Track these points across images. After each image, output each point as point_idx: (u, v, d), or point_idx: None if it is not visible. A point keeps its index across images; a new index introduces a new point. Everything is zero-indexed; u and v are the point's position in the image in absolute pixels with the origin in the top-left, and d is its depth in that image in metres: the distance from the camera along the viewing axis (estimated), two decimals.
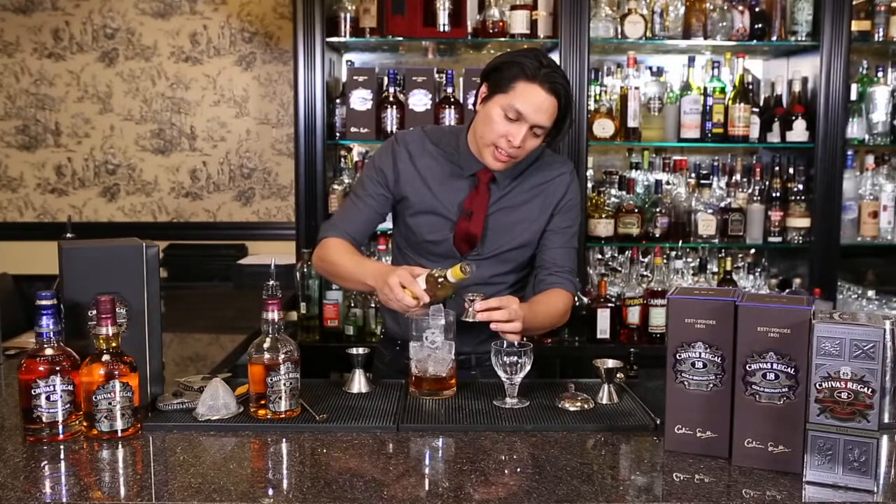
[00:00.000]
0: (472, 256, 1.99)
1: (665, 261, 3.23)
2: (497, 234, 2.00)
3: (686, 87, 3.27)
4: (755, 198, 3.26)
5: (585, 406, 1.71)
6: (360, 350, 1.86)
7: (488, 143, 1.89)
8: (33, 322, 1.53)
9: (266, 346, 1.62)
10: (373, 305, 3.16)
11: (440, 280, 1.76)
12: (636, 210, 3.21)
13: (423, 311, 1.79)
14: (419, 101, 3.14)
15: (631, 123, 3.20)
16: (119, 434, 1.53)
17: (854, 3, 3.18)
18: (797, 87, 3.25)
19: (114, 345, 1.53)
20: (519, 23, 3.15)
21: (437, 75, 3.19)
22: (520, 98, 1.83)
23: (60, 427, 1.52)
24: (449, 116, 3.14)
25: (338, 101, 3.24)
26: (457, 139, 2.03)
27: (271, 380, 1.60)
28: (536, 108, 1.83)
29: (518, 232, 2.02)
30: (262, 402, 1.61)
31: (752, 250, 3.39)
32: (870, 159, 3.32)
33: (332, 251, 2.01)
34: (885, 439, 1.51)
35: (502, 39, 3.21)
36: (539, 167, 2.04)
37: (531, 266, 2.10)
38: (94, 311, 1.53)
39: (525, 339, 1.81)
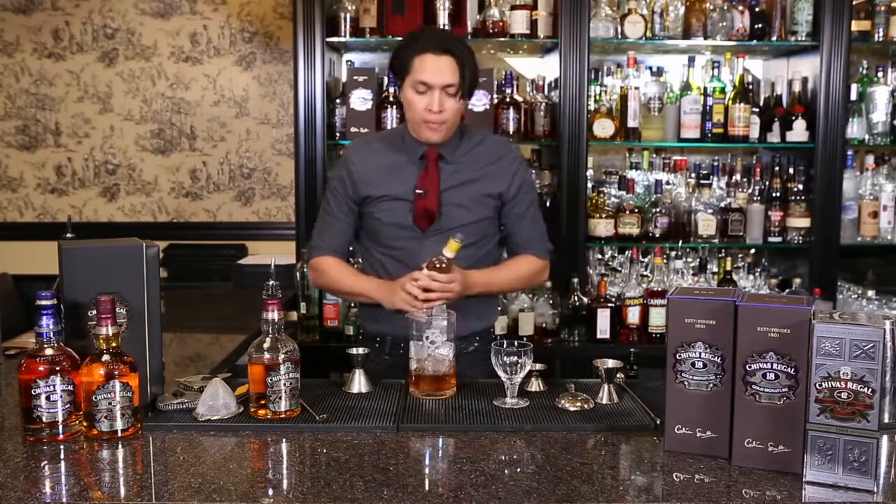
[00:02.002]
0: (433, 231, 2.11)
1: (665, 261, 3.23)
2: (454, 209, 2.13)
3: (686, 87, 3.27)
4: (755, 198, 3.26)
5: (585, 406, 1.71)
6: (360, 350, 1.87)
7: (418, 121, 2.07)
8: (33, 322, 1.54)
9: (266, 346, 1.62)
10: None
11: (441, 263, 1.94)
12: (636, 210, 3.21)
13: (433, 306, 1.91)
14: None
15: (631, 123, 3.20)
16: (119, 434, 1.53)
17: (854, 3, 3.17)
18: (797, 87, 3.25)
19: (114, 345, 1.53)
20: (519, 23, 3.15)
21: None
22: (419, 71, 2.03)
23: (60, 427, 1.52)
24: None
25: (338, 101, 3.24)
26: (402, 133, 2.20)
27: (271, 380, 1.60)
28: (435, 72, 2.02)
29: (473, 206, 2.14)
30: (262, 402, 1.61)
31: (752, 250, 3.39)
32: (870, 159, 3.32)
33: (328, 271, 2.19)
34: (885, 439, 1.51)
35: (502, 39, 3.21)
36: (485, 147, 2.19)
37: (496, 240, 2.24)
38: (94, 311, 1.53)
39: (524, 339, 1.82)
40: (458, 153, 2.15)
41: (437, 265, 1.94)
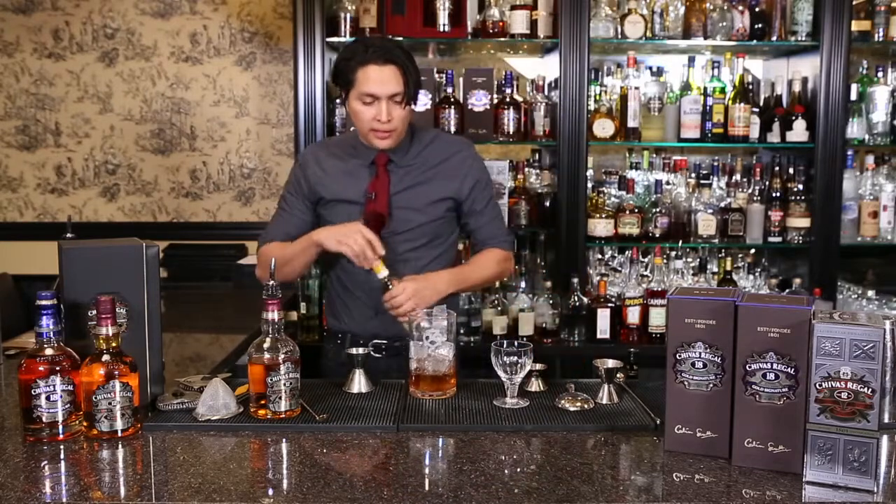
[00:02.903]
0: (386, 233, 2.12)
1: (665, 261, 3.23)
2: (405, 212, 2.14)
3: (686, 87, 3.27)
4: (755, 198, 3.26)
5: (585, 406, 1.71)
6: (360, 350, 1.87)
7: (367, 131, 2.09)
8: (33, 322, 1.54)
9: (266, 346, 1.62)
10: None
11: (384, 287, 1.99)
12: (636, 210, 3.21)
13: (406, 318, 1.95)
14: (419, 101, 3.13)
15: (631, 123, 3.20)
16: (119, 434, 1.53)
17: (854, 3, 3.17)
18: (797, 87, 3.25)
19: (114, 345, 1.53)
20: (519, 23, 3.16)
21: (436, 75, 3.19)
22: (363, 82, 2.03)
23: (60, 427, 1.52)
24: (449, 116, 3.14)
25: (338, 101, 3.24)
26: (355, 137, 2.21)
27: (271, 380, 1.60)
28: (380, 82, 2.02)
29: (425, 207, 2.16)
30: (262, 402, 1.61)
31: (752, 250, 3.39)
32: (870, 159, 3.32)
33: (270, 249, 2.17)
34: (885, 439, 1.51)
35: (502, 39, 3.21)
36: (436, 147, 2.21)
37: (452, 238, 2.26)
38: (94, 311, 1.53)
39: (524, 339, 1.82)
40: (408, 156, 2.17)
41: (382, 290, 1.99)
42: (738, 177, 3.31)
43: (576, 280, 3.13)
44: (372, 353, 2.07)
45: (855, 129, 3.26)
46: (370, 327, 2.16)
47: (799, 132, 3.21)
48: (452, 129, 3.14)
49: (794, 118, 3.21)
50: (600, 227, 3.21)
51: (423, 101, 3.14)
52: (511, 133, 3.17)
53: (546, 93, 3.27)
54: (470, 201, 2.20)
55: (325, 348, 2.35)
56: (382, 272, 1.98)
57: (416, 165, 2.17)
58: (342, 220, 2.13)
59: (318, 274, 3.16)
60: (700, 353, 1.44)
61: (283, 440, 1.55)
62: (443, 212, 2.18)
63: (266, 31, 4.02)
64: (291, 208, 2.23)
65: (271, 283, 1.66)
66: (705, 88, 3.22)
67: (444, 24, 3.13)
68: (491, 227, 2.25)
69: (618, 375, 1.80)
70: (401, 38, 3.17)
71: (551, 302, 3.16)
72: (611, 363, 1.77)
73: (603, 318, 3.13)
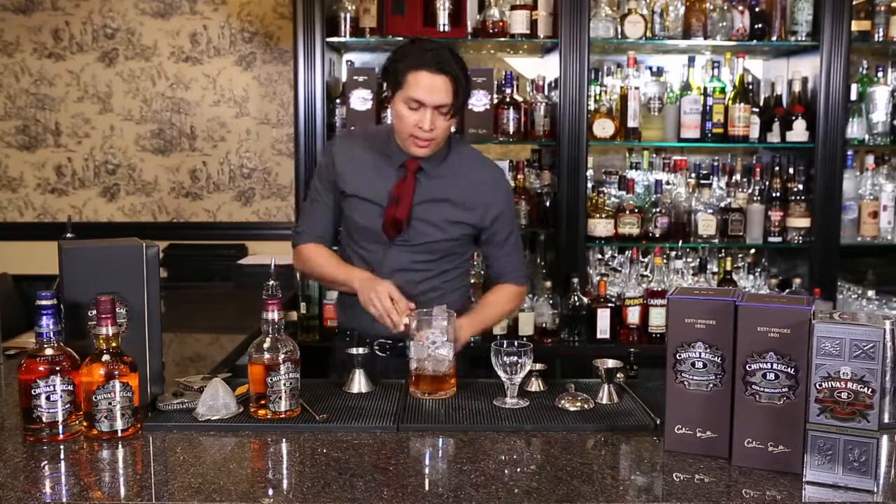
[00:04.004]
0: (400, 242, 2.10)
1: (665, 261, 3.23)
2: (424, 225, 2.10)
3: (686, 87, 3.27)
4: (755, 198, 3.26)
5: (585, 406, 1.71)
6: (360, 350, 1.87)
7: (406, 135, 2.04)
8: (33, 322, 1.53)
9: (266, 346, 1.62)
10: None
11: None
12: (636, 210, 3.21)
13: (398, 320, 1.92)
14: None
15: (631, 123, 3.20)
16: (119, 434, 1.53)
17: (854, 3, 3.17)
18: (797, 87, 3.25)
19: (114, 345, 1.53)
20: (519, 23, 3.15)
21: None
22: (413, 88, 1.97)
23: (60, 427, 1.52)
24: None
25: (338, 101, 3.24)
26: (388, 134, 2.16)
27: (271, 380, 1.60)
28: (430, 91, 1.96)
29: (446, 225, 2.12)
30: (262, 402, 1.61)
31: (752, 250, 3.39)
32: (870, 159, 3.32)
33: (312, 256, 2.20)
34: (885, 439, 1.51)
35: (502, 39, 3.21)
36: (469, 167, 2.16)
37: (465, 258, 2.24)
38: (94, 311, 1.53)
39: (524, 339, 1.82)
40: (440, 168, 2.12)
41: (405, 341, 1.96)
42: (738, 177, 3.31)
43: (576, 280, 3.13)
44: (377, 352, 2.07)
45: (855, 129, 3.26)
46: (378, 326, 2.11)
47: (799, 132, 3.21)
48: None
49: (794, 118, 3.21)
50: (600, 227, 3.21)
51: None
52: (511, 133, 3.17)
53: (546, 93, 3.27)
54: (491, 232, 2.15)
55: (333, 345, 2.35)
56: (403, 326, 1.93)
57: (445, 180, 2.12)
58: (360, 218, 2.13)
59: None
60: (700, 353, 1.44)
61: (283, 440, 1.55)
62: (459, 234, 2.14)
63: (266, 31, 4.02)
64: (322, 197, 2.20)
65: (272, 283, 1.66)
66: (705, 88, 3.22)
67: (444, 24, 3.12)
68: (508, 261, 2.21)
69: (618, 375, 1.80)
70: (401, 38, 3.18)
71: (551, 302, 3.16)
72: (611, 363, 1.77)
73: (603, 318, 3.13)
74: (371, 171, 2.13)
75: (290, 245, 3.25)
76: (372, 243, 2.14)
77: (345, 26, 3.20)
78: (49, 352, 1.52)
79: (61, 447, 1.50)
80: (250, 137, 4.07)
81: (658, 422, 1.59)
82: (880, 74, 3.29)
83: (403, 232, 2.09)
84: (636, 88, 3.21)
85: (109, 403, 1.52)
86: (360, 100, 3.16)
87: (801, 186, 3.23)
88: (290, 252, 3.32)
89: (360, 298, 2.01)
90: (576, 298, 3.13)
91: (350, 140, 2.24)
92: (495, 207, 2.14)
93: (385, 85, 2.09)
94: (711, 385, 1.44)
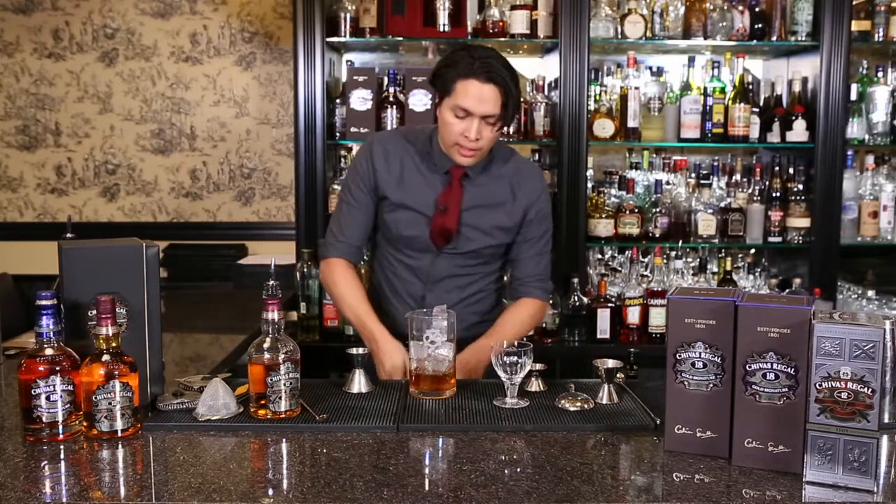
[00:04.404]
0: (448, 250, 2.08)
1: (665, 261, 3.23)
2: (472, 231, 2.09)
3: (686, 87, 3.27)
4: (755, 198, 3.26)
5: (585, 406, 1.71)
6: (360, 350, 1.86)
7: (451, 143, 2.01)
8: (33, 322, 1.53)
9: (266, 346, 1.61)
10: None
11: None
12: (636, 210, 3.21)
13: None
14: (419, 101, 3.14)
15: (631, 123, 3.20)
16: (119, 434, 1.53)
17: (854, 3, 3.17)
18: (797, 87, 3.25)
19: (114, 345, 1.53)
20: (519, 23, 3.16)
21: None
22: (461, 96, 1.94)
23: (60, 427, 1.52)
24: None
25: (338, 101, 3.24)
26: (430, 138, 2.12)
27: (271, 380, 1.60)
28: (478, 100, 1.93)
29: (491, 230, 2.11)
30: (262, 402, 1.61)
31: (752, 250, 3.39)
32: (870, 159, 3.32)
33: (339, 282, 2.13)
34: (885, 439, 1.51)
35: (502, 39, 3.21)
36: (512, 170, 2.14)
37: (505, 258, 2.21)
38: (94, 311, 1.53)
39: (524, 339, 1.83)
40: (484, 174, 2.10)
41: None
42: (738, 177, 3.31)
43: (576, 280, 3.13)
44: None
45: (855, 129, 3.26)
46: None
47: (799, 132, 3.21)
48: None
49: (794, 118, 3.21)
50: (600, 227, 3.21)
51: (424, 101, 3.14)
52: (511, 133, 3.18)
53: (546, 93, 3.27)
54: (526, 229, 2.14)
55: (332, 346, 2.34)
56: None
57: (490, 185, 2.10)
58: (403, 227, 2.08)
59: (318, 274, 3.16)
60: (700, 353, 1.44)
61: (283, 440, 1.55)
62: (506, 237, 2.13)
63: (266, 31, 4.02)
64: (358, 202, 2.12)
65: (272, 283, 1.66)
66: (705, 88, 3.23)
67: (444, 24, 3.13)
68: (536, 264, 2.16)
69: (618, 375, 1.79)
70: (401, 38, 3.18)
71: (551, 302, 3.16)
72: (611, 363, 1.77)
73: (603, 318, 3.13)
74: (415, 178, 2.09)
75: (293, 247, 3.31)
76: (418, 252, 2.11)
77: (345, 26, 3.20)
78: (49, 352, 1.52)
79: (61, 447, 1.50)
80: (250, 137, 4.07)
81: (658, 422, 1.59)
82: (880, 74, 3.29)
83: (452, 241, 2.07)
84: (636, 88, 3.21)
85: (109, 403, 1.52)
86: (360, 100, 3.17)
87: (801, 186, 3.23)
88: (290, 252, 3.35)
89: (380, 365, 2.02)
90: (576, 298, 3.13)
91: (389, 143, 2.15)
92: (537, 206, 2.14)
93: (433, 90, 2.06)
94: (711, 385, 1.44)
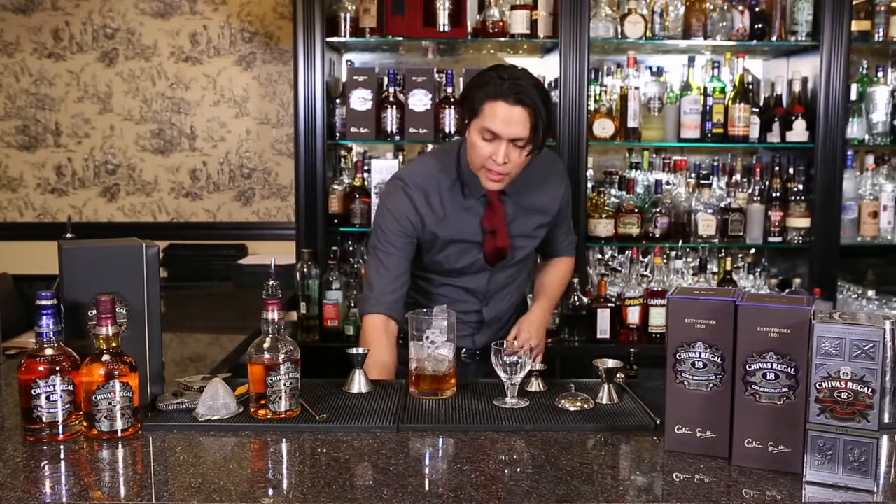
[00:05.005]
0: (501, 265, 2.12)
1: (665, 261, 3.23)
2: (520, 240, 2.12)
3: (686, 87, 3.27)
4: (755, 198, 3.26)
5: (585, 406, 1.71)
6: (360, 350, 1.86)
7: (478, 166, 1.97)
8: (33, 322, 1.53)
9: (266, 346, 1.62)
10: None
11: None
12: (636, 210, 3.21)
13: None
14: (419, 101, 3.14)
15: (631, 123, 3.20)
16: (119, 434, 1.53)
17: (854, 3, 3.17)
18: (797, 87, 3.25)
19: (114, 345, 1.53)
20: (519, 23, 3.16)
21: (437, 75, 3.19)
22: (489, 118, 1.88)
23: (60, 427, 1.52)
24: (449, 116, 3.14)
25: (338, 101, 3.24)
26: (457, 161, 2.06)
27: (271, 380, 1.60)
28: (506, 122, 1.87)
29: (534, 231, 2.16)
30: (262, 402, 1.61)
31: (752, 250, 3.39)
32: (870, 159, 3.32)
33: (375, 342, 2.01)
34: (885, 439, 1.51)
35: (502, 39, 3.21)
36: (536, 168, 2.10)
37: (536, 252, 2.28)
38: (94, 311, 1.53)
39: None
40: (515, 183, 2.05)
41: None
42: (738, 177, 3.31)
43: (576, 280, 3.13)
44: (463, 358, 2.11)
45: (855, 129, 3.26)
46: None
47: (799, 132, 3.21)
48: (452, 128, 3.14)
49: (794, 118, 3.21)
50: (600, 227, 3.21)
51: (424, 101, 3.14)
52: None
53: None
54: (558, 216, 2.20)
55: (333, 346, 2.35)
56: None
57: (523, 191, 2.10)
58: (458, 261, 2.07)
59: (318, 274, 3.17)
60: (700, 353, 1.44)
61: (283, 440, 1.55)
62: (545, 230, 2.18)
63: (266, 31, 4.02)
64: (396, 253, 2.03)
65: (271, 283, 1.66)
66: (705, 88, 3.23)
67: (444, 24, 3.13)
68: (566, 236, 2.30)
69: (618, 375, 1.79)
70: (401, 38, 3.18)
71: None
72: (611, 363, 1.77)
73: (603, 318, 3.13)
74: (456, 210, 2.05)
75: (293, 247, 3.30)
76: (472, 275, 2.13)
77: (345, 26, 3.20)
78: (49, 352, 1.52)
79: (61, 447, 1.50)
80: (250, 137, 4.07)
81: (658, 422, 1.59)
82: (880, 74, 3.29)
83: (506, 257, 2.11)
84: (636, 88, 3.21)
85: (109, 403, 1.52)
86: (360, 100, 3.17)
87: (801, 186, 3.23)
88: (290, 252, 3.35)
89: None
90: (576, 298, 3.13)
91: (425, 179, 2.07)
92: (565, 193, 2.20)
93: (463, 112, 2.00)
94: (711, 385, 1.44)
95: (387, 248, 2.04)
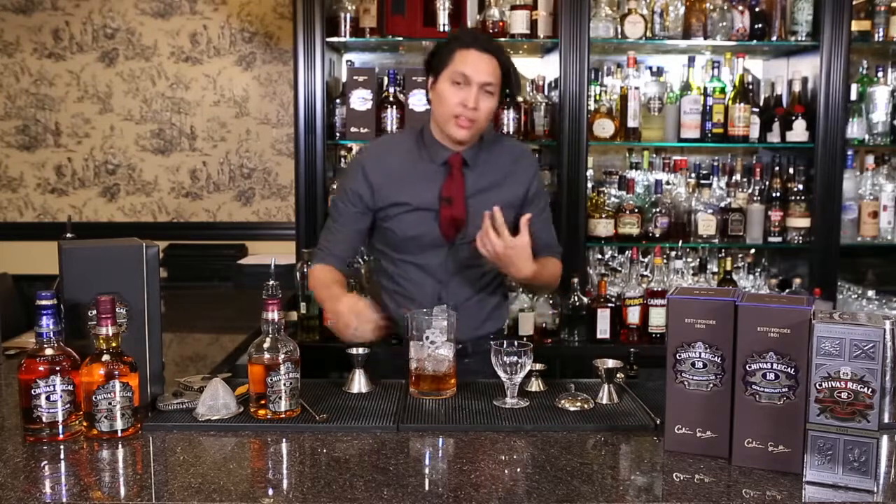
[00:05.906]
0: (459, 240, 2.08)
1: (665, 261, 3.23)
2: (480, 218, 2.05)
3: (686, 87, 3.27)
4: (755, 198, 3.26)
5: (585, 406, 1.71)
6: (360, 350, 1.86)
7: (448, 116, 2.01)
8: (33, 322, 1.53)
9: (266, 346, 1.62)
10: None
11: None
12: (636, 210, 3.21)
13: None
14: (419, 101, 3.14)
15: (631, 123, 3.20)
16: (119, 434, 1.53)
17: (854, 3, 3.17)
18: (797, 87, 3.25)
19: (114, 345, 1.53)
20: (519, 23, 3.15)
21: None
22: (461, 63, 1.99)
23: (60, 427, 1.52)
24: None
25: (338, 101, 3.24)
26: (420, 133, 2.14)
27: (271, 380, 1.60)
28: (477, 67, 1.98)
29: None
30: (262, 402, 1.61)
31: (752, 250, 3.39)
32: (870, 159, 3.32)
33: (315, 282, 2.12)
34: (885, 439, 1.51)
35: (502, 39, 3.20)
36: (504, 150, 2.17)
37: None
38: (94, 311, 1.53)
39: (524, 339, 1.82)
40: (479, 158, 2.11)
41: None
42: (738, 177, 3.31)
43: (576, 280, 3.13)
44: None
45: (855, 129, 3.26)
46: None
47: (799, 132, 3.21)
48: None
49: (794, 118, 3.21)
50: (600, 227, 3.21)
51: (424, 101, 3.14)
52: (511, 133, 3.17)
53: (546, 93, 3.27)
54: (531, 206, 2.16)
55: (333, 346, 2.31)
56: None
57: (487, 168, 2.12)
58: (414, 228, 2.07)
59: None
60: (700, 353, 1.44)
61: (283, 440, 1.55)
62: (512, 216, 2.10)
63: (266, 31, 4.02)
64: (344, 219, 2.12)
65: (272, 283, 1.66)
66: (705, 88, 3.22)
67: (444, 24, 3.13)
68: (547, 233, 2.23)
69: (618, 375, 1.80)
70: (401, 38, 3.18)
71: (551, 302, 3.16)
72: (611, 363, 1.77)
73: (603, 318, 3.13)
74: (413, 177, 2.08)
75: (293, 247, 3.30)
76: (429, 249, 2.10)
77: (345, 26, 3.20)
78: (49, 352, 1.52)
79: (61, 447, 1.50)
80: (250, 137, 4.08)
81: (658, 422, 1.59)
82: (880, 74, 3.29)
83: (463, 229, 2.07)
84: (636, 88, 3.21)
85: (109, 403, 1.52)
86: (360, 100, 3.16)
87: (801, 186, 3.23)
88: (290, 252, 3.35)
89: (340, 317, 1.92)
90: (576, 298, 3.13)
91: (378, 152, 2.16)
92: (536, 180, 2.19)
93: (428, 73, 2.07)
94: (711, 385, 1.44)
95: (335, 217, 2.16)
